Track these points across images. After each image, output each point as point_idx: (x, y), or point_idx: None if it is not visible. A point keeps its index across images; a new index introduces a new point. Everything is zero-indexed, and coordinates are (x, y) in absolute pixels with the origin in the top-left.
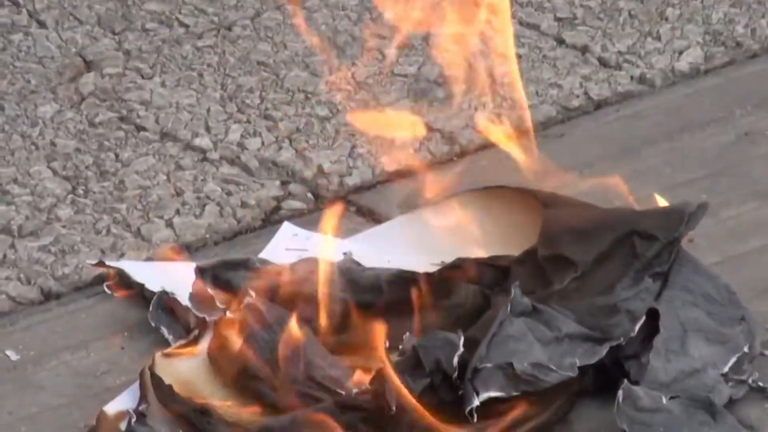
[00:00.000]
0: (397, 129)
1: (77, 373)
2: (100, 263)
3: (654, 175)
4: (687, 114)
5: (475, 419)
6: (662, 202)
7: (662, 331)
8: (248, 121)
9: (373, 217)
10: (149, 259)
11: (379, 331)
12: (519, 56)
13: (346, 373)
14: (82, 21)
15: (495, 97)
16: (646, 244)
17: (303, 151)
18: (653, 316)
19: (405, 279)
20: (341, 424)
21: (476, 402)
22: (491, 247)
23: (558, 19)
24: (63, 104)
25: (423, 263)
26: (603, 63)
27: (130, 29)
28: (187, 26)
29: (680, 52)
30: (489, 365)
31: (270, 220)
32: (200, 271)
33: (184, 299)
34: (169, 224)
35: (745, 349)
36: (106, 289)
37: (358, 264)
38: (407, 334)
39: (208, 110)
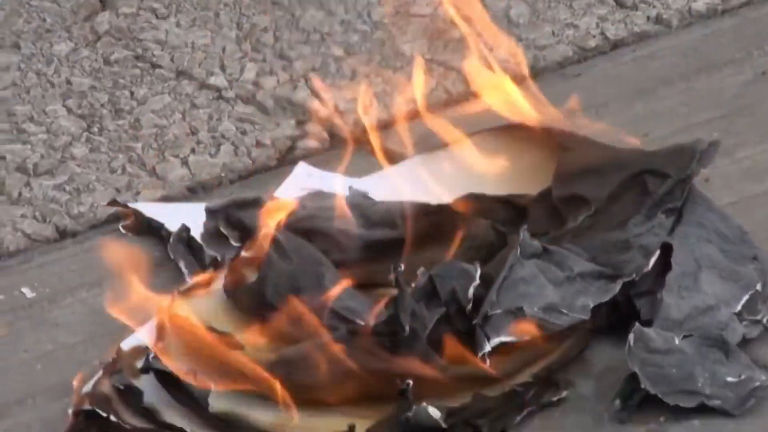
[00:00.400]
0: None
1: (93, 311)
2: (114, 202)
3: (670, 115)
4: (703, 54)
5: (488, 363)
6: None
7: (675, 268)
8: (263, 60)
9: (388, 156)
10: (165, 198)
11: (393, 262)
12: None
13: (364, 304)
14: None
15: (510, 37)
16: (657, 182)
17: (319, 91)
18: (667, 251)
19: (418, 212)
20: (355, 351)
21: (487, 348)
22: (508, 187)
23: None
24: (78, 43)
25: (438, 202)
26: (619, 3)
27: None
28: None
29: None
30: (499, 311)
31: (285, 160)
32: (210, 212)
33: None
34: (184, 163)
35: (758, 288)
36: (121, 230)
37: (366, 197)
38: (421, 268)
39: (224, 49)
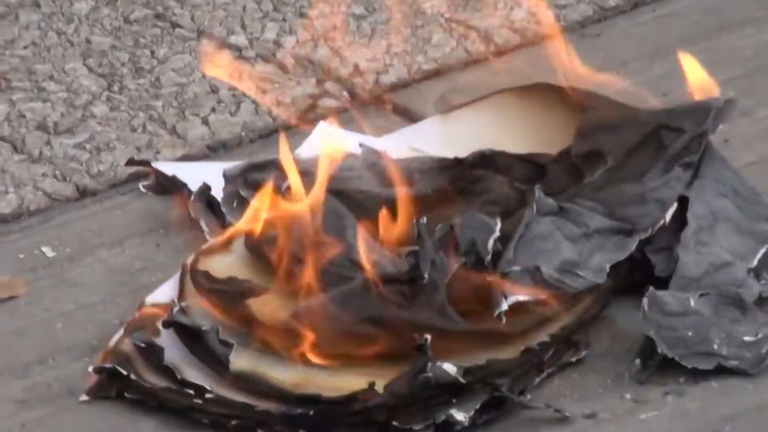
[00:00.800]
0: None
1: (112, 270)
2: (132, 161)
3: None
4: (724, 13)
5: (504, 322)
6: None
7: (692, 222)
8: (284, 20)
9: (408, 115)
10: (185, 156)
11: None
12: None
13: (386, 256)
14: None
15: None
16: (673, 136)
17: (339, 50)
18: (684, 205)
19: (434, 168)
20: (373, 300)
21: (504, 306)
22: (528, 147)
23: None
24: (98, 1)
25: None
26: None
27: None
28: None
29: None
30: (516, 269)
31: (305, 119)
32: (228, 177)
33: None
34: (205, 122)
35: None
36: (141, 188)
37: (376, 152)
38: (440, 225)
39: (244, 8)
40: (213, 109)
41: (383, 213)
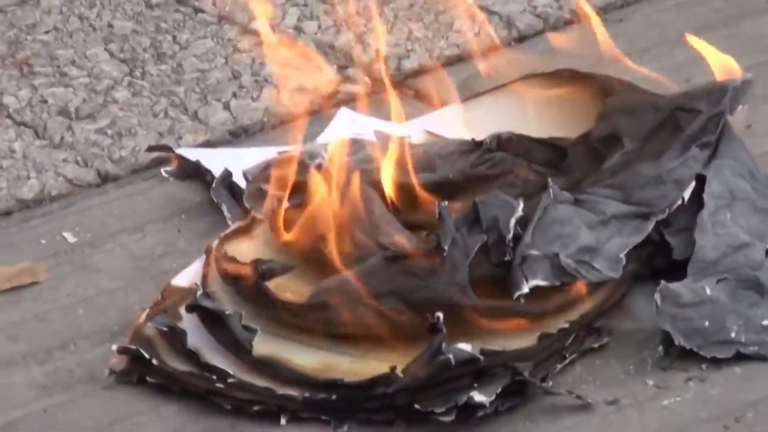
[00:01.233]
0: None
1: (134, 256)
2: (153, 147)
3: None
4: (746, 0)
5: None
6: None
7: (709, 203)
8: (305, 5)
9: (430, 101)
10: (206, 143)
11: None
12: None
13: (411, 238)
14: None
15: None
16: (689, 118)
17: (361, 35)
18: (702, 185)
19: (455, 153)
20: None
21: (525, 289)
22: (550, 133)
23: None
24: None
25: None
26: None
27: None
28: None
29: None
30: (534, 252)
31: (327, 104)
32: (249, 177)
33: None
34: (227, 107)
35: None
36: (163, 173)
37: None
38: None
39: None
40: (234, 95)
41: (405, 198)
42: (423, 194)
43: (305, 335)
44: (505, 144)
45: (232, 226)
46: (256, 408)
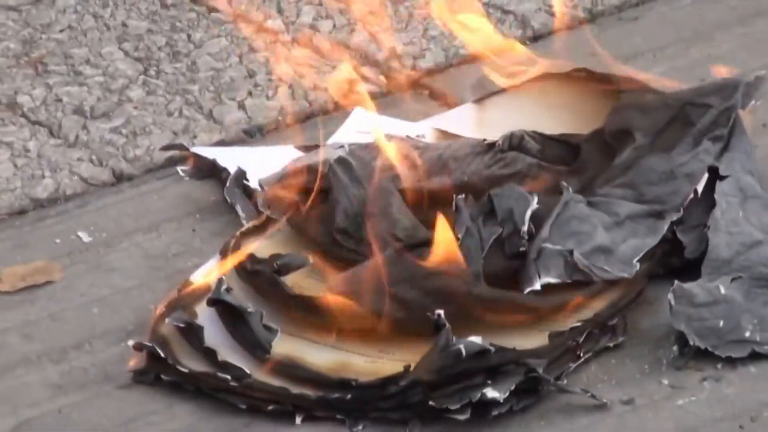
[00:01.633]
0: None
1: (148, 255)
2: (168, 146)
3: (727, 59)
4: None
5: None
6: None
7: (721, 201)
8: (320, 4)
9: (445, 100)
10: (221, 142)
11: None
12: None
13: (429, 234)
14: None
15: None
16: (700, 112)
17: (376, 34)
18: (713, 179)
19: (468, 155)
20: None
21: (537, 285)
22: (564, 131)
23: None
24: None
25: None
26: None
27: None
28: None
29: None
30: (550, 246)
31: (342, 104)
32: (264, 186)
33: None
34: (241, 106)
35: None
36: (180, 172)
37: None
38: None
39: None
40: (249, 93)
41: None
42: (440, 196)
43: (320, 334)
44: (518, 143)
45: (247, 225)
46: (270, 407)
